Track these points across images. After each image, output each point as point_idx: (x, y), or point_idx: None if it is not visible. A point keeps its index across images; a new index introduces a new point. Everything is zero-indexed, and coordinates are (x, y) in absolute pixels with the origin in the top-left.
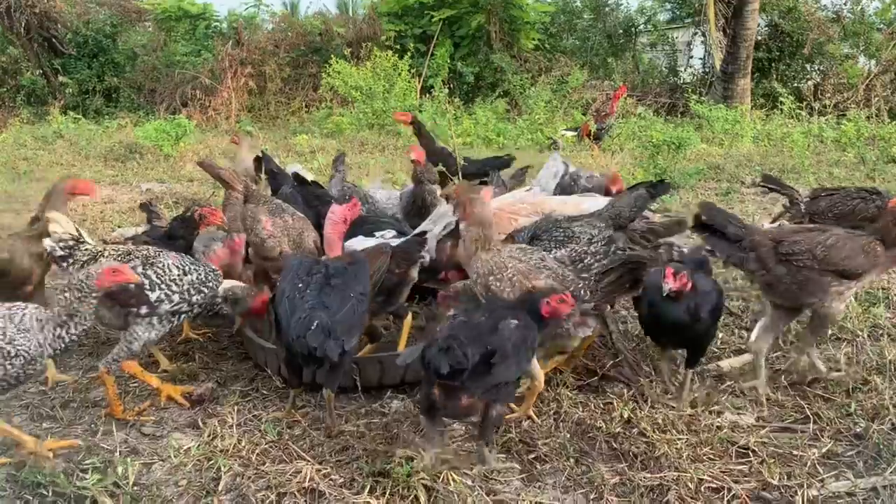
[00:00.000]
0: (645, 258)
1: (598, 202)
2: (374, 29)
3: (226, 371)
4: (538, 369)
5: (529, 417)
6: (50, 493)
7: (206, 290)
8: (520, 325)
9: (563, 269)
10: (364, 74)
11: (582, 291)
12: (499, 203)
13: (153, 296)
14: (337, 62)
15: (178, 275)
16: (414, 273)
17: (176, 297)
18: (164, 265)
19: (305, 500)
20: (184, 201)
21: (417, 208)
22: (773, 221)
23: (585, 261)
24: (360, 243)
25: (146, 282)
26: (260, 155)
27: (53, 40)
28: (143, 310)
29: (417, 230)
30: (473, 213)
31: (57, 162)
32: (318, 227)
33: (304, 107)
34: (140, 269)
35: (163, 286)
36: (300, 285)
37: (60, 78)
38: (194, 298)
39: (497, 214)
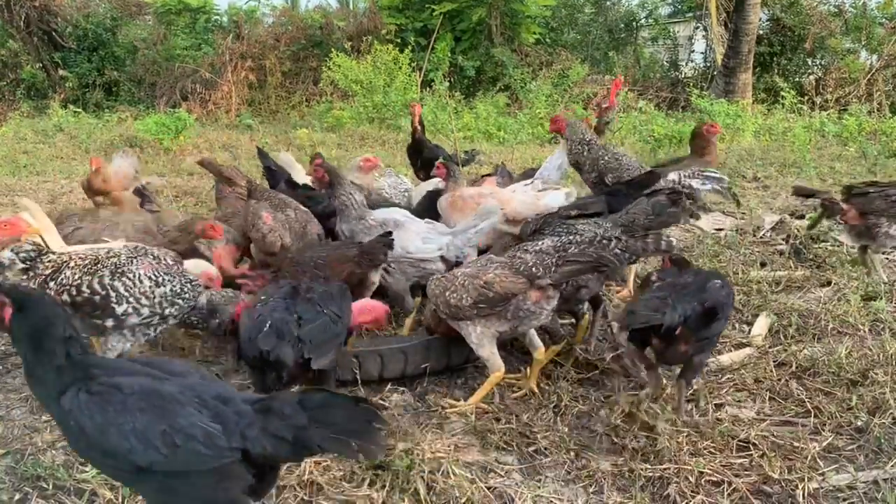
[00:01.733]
0: (612, 262)
1: (557, 196)
2: (375, 22)
3: (225, 364)
4: (538, 341)
5: (532, 391)
6: (50, 486)
7: (181, 302)
8: (724, 284)
9: (513, 255)
10: (365, 68)
11: (534, 269)
12: (471, 192)
13: (119, 309)
14: (337, 56)
15: (150, 287)
16: (375, 277)
17: (146, 311)
18: (134, 276)
19: (305, 493)
20: (183, 195)
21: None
22: (811, 227)
23: (570, 251)
24: (399, 214)
25: (113, 294)
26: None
27: (53, 34)
28: (109, 322)
29: (462, 225)
30: None
31: (57, 155)
32: None
33: (305, 101)
34: (108, 280)
35: (131, 299)
36: (263, 297)
37: (60, 71)
38: (167, 311)
39: (466, 202)
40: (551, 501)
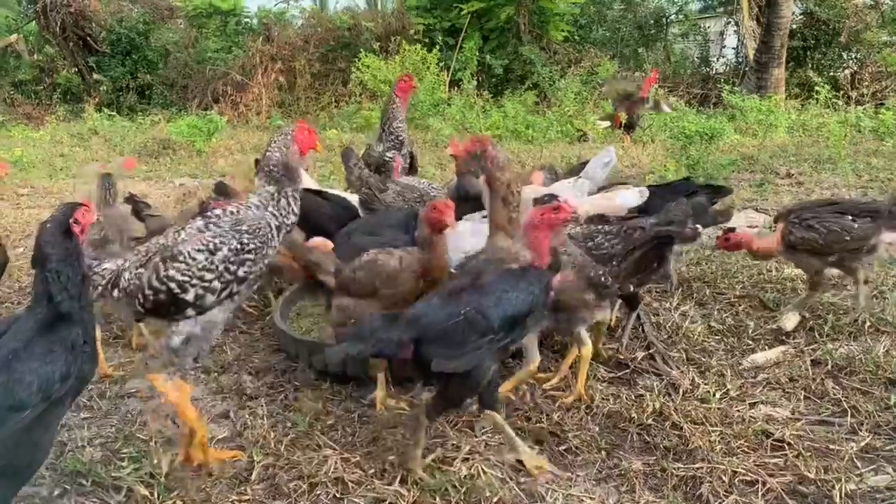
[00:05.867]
0: (672, 231)
1: (629, 196)
2: (403, 23)
3: (258, 362)
4: (586, 336)
5: (582, 397)
6: (89, 483)
7: (252, 257)
8: None
9: (584, 256)
10: (393, 68)
11: (603, 278)
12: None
13: (189, 296)
14: (366, 57)
15: (206, 258)
16: None
17: (217, 284)
18: (186, 256)
19: (337, 490)
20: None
21: (462, 199)
22: None
23: (596, 239)
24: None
25: (173, 284)
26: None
27: (88, 38)
28: (190, 312)
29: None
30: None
31: (92, 158)
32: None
33: (334, 102)
34: (162, 271)
35: (195, 280)
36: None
37: (95, 76)
38: (241, 272)
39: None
40: (582, 500)
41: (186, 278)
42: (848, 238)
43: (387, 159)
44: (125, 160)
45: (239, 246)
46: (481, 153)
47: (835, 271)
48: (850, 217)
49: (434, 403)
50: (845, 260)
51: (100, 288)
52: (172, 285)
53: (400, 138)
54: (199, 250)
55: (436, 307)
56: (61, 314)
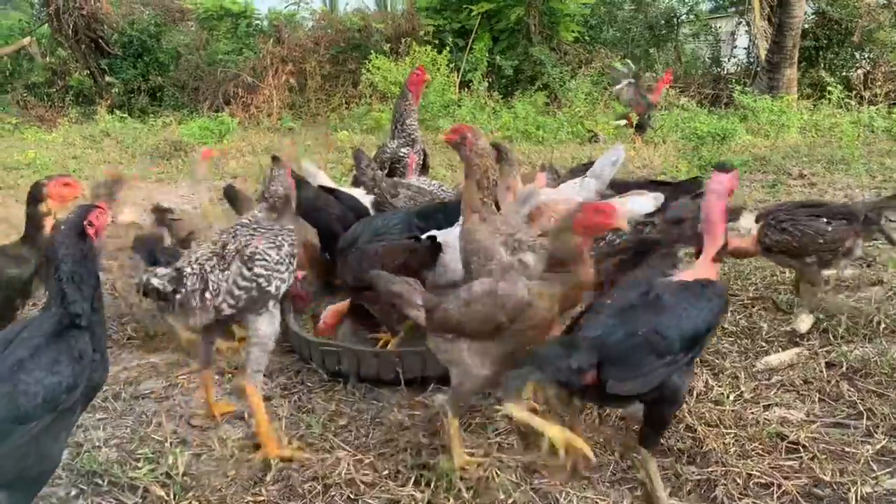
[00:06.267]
0: (656, 240)
1: (643, 202)
2: (413, 24)
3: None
4: None
5: None
6: (105, 483)
7: (295, 250)
8: None
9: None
10: (403, 70)
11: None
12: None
13: (272, 287)
14: (376, 58)
15: (276, 254)
16: (426, 275)
17: (287, 275)
18: (262, 254)
19: (351, 491)
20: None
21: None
22: None
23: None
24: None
25: (261, 279)
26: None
27: (100, 41)
28: (272, 304)
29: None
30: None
31: (105, 160)
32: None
33: (344, 103)
34: (246, 272)
35: (274, 274)
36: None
37: (107, 78)
38: (294, 265)
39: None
40: (597, 503)
41: (269, 272)
42: (822, 241)
43: (401, 155)
44: (203, 151)
45: (292, 242)
46: (461, 139)
47: (847, 273)
48: (825, 220)
49: (645, 434)
50: (823, 260)
51: (197, 294)
52: (261, 280)
53: (413, 136)
54: (269, 247)
55: (613, 327)
56: (72, 320)
